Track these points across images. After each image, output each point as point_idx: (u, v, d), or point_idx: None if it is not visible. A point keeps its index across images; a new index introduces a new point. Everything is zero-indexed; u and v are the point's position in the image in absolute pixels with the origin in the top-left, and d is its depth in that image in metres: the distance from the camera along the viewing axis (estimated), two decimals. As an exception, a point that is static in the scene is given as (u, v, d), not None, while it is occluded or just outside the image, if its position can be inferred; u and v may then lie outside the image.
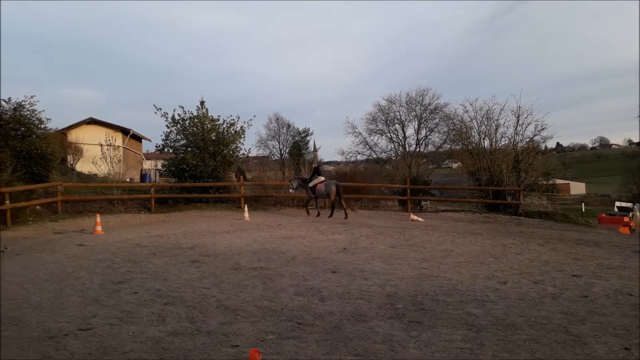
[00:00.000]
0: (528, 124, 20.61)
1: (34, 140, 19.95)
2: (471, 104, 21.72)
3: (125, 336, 4.45)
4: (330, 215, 16.56)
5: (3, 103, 19.86)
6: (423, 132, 35.29)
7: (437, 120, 34.33)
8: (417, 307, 5.49)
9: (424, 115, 34.65)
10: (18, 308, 5.36)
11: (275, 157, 53.97)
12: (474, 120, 21.76)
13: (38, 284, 6.57)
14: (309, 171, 24.34)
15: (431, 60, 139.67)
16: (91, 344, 4.25)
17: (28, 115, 20.25)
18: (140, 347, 4.16)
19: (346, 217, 16.25)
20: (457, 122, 24.24)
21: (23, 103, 20.13)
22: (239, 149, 21.58)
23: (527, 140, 21.12)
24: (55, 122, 39.69)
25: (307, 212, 17.30)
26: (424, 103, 34.54)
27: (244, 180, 21.04)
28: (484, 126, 21.39)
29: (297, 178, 18.64)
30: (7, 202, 12.69)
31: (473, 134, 21.93)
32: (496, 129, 21.15)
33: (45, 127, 21.41)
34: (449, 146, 30.54)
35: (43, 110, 20.80)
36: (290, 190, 18.21)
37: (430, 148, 35.26)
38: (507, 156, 20.37)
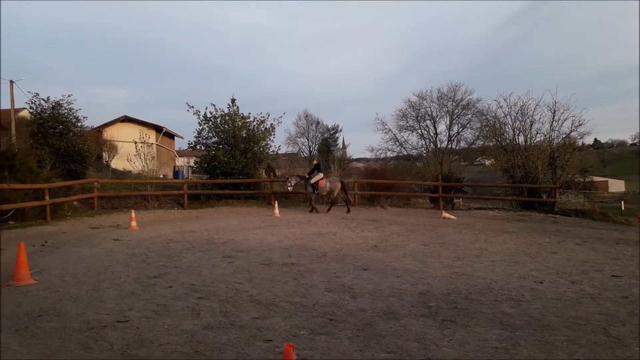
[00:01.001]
0: (564, 120, 20.02)
1: (71, 138, 20.62)
2: (505, 100, 21.26)
3: (161, 329, 4.54)
4: (329, 210, 17.03)
5: (42, 102, 20.58)
6: (455, 128, 34.79)
7: (469, 116, 33.76)
8: (450, 306, 5.42)
9: (456, 111, 34.11)
10: (59, 300, 5.54)
11: (305, 154, 54.10)
12: (508, 116, 21.30)
13: (77, 277, 6.77)
14: (339, 168, 24.36)
15: (463, 56, 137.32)
16: (128, 335, 4.36)
17: (65, 114, 20.95)
18: (175, 340, 4.24)
19: (348, 211, 16.77)
20: (491, 118, 23.80)
21: (61, 102, 20.82)
22: (269, 146, 21.78)
23: (564, 136, 20.54)
24: (91, 120, 40.98)
25: (314, 208, 17.28)
26: (455, 99, 34.01)
27: (273, 177, 21.21)
28: (518, 122, 20.91)
29: (295, 175, 18.56)
30: (47, 197, 13.12)
31: (507, 130, 21.47)
32: (531, 125, 20.64)
33: (81, 125, 22.14)
34: (481, 142, 30.02)
35: (79, 109, 21.48)
36: (289, 188, 18.05)
37: (463, 144, 34.68)
38: (543, 153, 19.83)
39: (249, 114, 21.24)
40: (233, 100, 21.08)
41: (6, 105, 25.89)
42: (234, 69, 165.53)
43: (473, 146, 32.80)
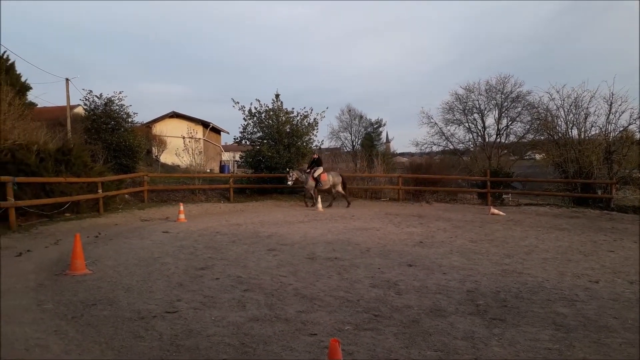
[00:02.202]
0: (622, 112, 18.93)
1: (122, 133, 21.40)
2: (557, 92, 20.34)
3: (208, 320, 4.63)
4: (330, 205, 17.13)
5: (95, 99, 21.43)
6: (504, 121, 33.48)
7: (519, 109, 32.41)
8: (499, 304, 5.25)
9: (505, 104, 32.83)
10: (112, 290, 5.75)
11: (347, 148, 53.85)
12: (560, 109, 20.39)
13: (129, 267, 7.01)
14: (382, 163, 24.09)
15: (513, 47, 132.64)
16: (177, 326, 4.46)
17: (117, 110, 21.74)
18: (222, 332, 4.31)
19: (348, 205, 17.11)
20: (542, 111, 22.87)
21: (112, 98, 21.62)
22: (312, 140, 21.82)
23: (621, 129, 19.45)
24: (141, 116, 42.36)
25: (313, 203, 17.12)
26: (505, 91, 32.72)
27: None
28: (571, 115, 19.97)
29: (296, 170, 18.14)
30: (100, 191, 13.63)
31: (559, 123, 20.55)
32: (585, 118, 19.68)
33: (132, 121, 22.91)
34: (532, 136, 28.93)
35: (130, 105, 22.30)
36: (289, 183, 17.71)
37: (512, 138, 33.35)
38: (598, 147, 18.89)
39: (293, 108, 21.36)
40: (277, 96, 21.25)
41: (62, 102, 27.16)
42: (278, 64, 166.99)
43: (523, 140, 31.59)
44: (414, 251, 8.49)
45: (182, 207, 13.33)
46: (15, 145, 11.81)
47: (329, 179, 17.41)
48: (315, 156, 18.36)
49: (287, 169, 18.35)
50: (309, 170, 17.57)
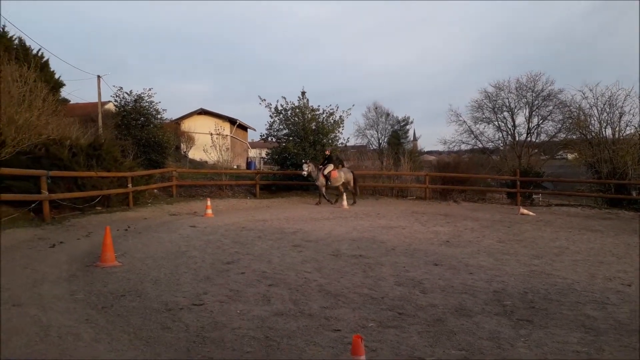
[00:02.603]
0: (659, 111, 18.39)
1: (151, 129, 21.76)
2: (591, 90, 19.84)
3: (234, 313, 4.69)
4: (335, 202, 17.08)
5: (126, 95, 21.88)
6: (535, 120, 32.77)
7: (550, 107, 31.65)
8: (527, 305, 5.16)
9: (536, 102, 32.10)
10: (140, 282, 5.87)
11: (373, 146, 53.50)
12: (594, 108, 19.88)
13: (157, 260, 7.15)
14: (409, 161, 23.88)
15: (544, 44, 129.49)
16: (203, 318, 4.54)
17: (147, 107, 22.11)
18: (247, 325, 4.36)
19: (354, 202, 16.95)
20: (575, 110, 22.31)
21: (142, 95, 22.01)
22: (337, 138, 21.80)
23: (658, 129, 18.87)
24: (169, 113, 43.04)
25: (323, 200, 17.02)
26: (535, 89, 32.04)
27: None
28: (605, 114, 19.45)
29: (312, 162, 17.68)
30: (130, 185, 13.93)
31: (592, 122, 20.05)
32: (620, 117, 19.14)
33: (161, 117, 23.27)
34: (564, 135, 28.28)
35: (159, 102, 22.61)
36: (304, 173, 17.10)
37: (543, 137, 32.61)
38: (633, 147, 18.34)
39: (319, 106, 21.37)
40: (303, 93, 21.29)
41: (93, 99, 27.82)
42: (303, 61, 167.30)
43: (554, 139, 30.87)
44: (440, 250, 8.40)
45: (209, 203, 13.50)
46: (49, 140, 12.17)
47: (341, 175, 17.17)
48: (328, 152, 18.05)
49: (303, 160, 18.20)
50: (321, 166, 17.30)
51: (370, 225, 11.57)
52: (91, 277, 6.08)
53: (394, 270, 6.74)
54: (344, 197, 16.78)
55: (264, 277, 6.20)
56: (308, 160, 17.74)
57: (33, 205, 10.58)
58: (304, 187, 20.28)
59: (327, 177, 16.97)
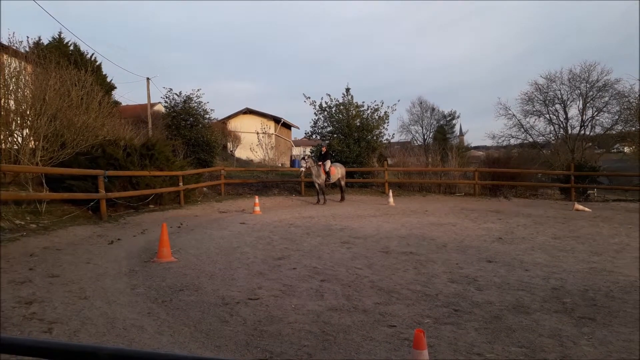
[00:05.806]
0: None
1: (200, 129, 22.36)
2: (651, 79, 18.84)
3: (289, 308, 4.75)
4: (324, 201, 16.34)
5: (175, 96, 22.54)
6: (589, 112, 31.32)
7: (606, 98, 30.15)
8: (588, 303, 4.97)
9: (590, 93, 30.67)
10: (197, 276, 6.04)
11: (418, 142, 52.76)
12: (654, 98, 18.88)
13: (210, 256, 7.33)
14: (457, 157, 23.42)
15: (599, 33, 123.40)
16: (259, 312, 4.62)
17: (195, 107, 22.71)
18: (302, 319, 4.41)
19: (343, 199, 16.94)
20: (633, 100, 21.25)
21: (191, 96, 22.62)
22: (382, 134, 21.69)
23: None
24: (217, 113, 43.96)
25: (324, 199, 16.43)
26: (590, 80, 30.60)
27: (387, 166, 21.06)
28: (667, 104, 18.44)
29: (311, 158, 17.16)
30: (181, 184, 14.35)
31: (653, 113, 19.05)
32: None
33: (209, 117, 23.84)
34: (621, 128, 26.97)
35: (207, 102, 23.17)
36: (302, 169, 16.78)
37: (598, 130, 31.14)
38: (699, 138, 17.31)
39: (363, 102, 21.33)
40: (347, 90, 21.30)
41: (142, 100, 28.82)
42: (348, 58, 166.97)
43: (610, 132, 29.46)
44: (493, 247, 8.20)
45: (257, 200, 13.71)
46: (105, 141, 12.71)
47: (338, 171, 16.80)
48: (324, 149, 17.51)
49: (303, 156, 17.90)
50: (320, 162, 16.70)
51: (418, 222, 11.43)
52: (150, 272, 6.30)
53: (446, 267, 6.64)
54: (390, 194, 16.64)
55: (315, 272, 6.24)
56: (307, 157, 17.56)
57: (91, 203, 11.07)
58: (349, 185, 20.27)
59: (328, 174, 16.61)
